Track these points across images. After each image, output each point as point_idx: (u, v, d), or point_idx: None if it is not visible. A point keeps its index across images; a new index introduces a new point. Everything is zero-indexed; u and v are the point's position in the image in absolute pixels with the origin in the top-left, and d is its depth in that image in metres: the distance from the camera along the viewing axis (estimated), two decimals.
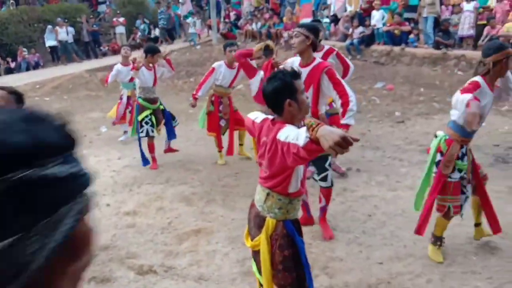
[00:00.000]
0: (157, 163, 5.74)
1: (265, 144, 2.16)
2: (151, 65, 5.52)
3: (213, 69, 5.56)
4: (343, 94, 3.35)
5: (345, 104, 3.34)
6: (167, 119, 5.85)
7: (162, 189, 4.95)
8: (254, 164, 5.17)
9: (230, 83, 5.64)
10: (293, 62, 3.55)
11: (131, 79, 6.41)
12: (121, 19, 16.40)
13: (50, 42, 15.60)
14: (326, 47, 4.76)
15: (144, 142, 5.66)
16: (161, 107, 5.83)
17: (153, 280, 3.15)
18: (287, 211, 2.24)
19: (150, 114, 5.62)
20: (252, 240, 2.36)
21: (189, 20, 15.77)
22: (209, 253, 3.51)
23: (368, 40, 11.19)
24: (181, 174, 5.43)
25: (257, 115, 2.36)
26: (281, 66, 3.55)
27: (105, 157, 6.23)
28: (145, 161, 5.67)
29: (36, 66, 15.52)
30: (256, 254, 2.36)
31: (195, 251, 3.55)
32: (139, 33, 16.59)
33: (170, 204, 4.52)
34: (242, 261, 3.38)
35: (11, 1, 17.59)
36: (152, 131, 5.65)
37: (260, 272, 2.34)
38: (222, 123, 5.72)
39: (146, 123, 5.59)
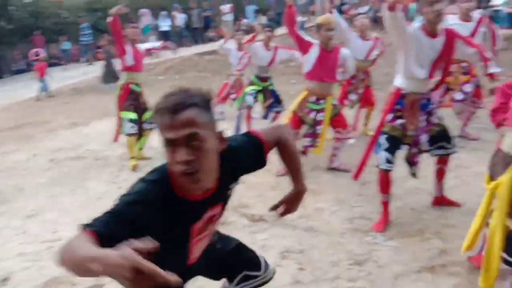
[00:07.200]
0: None
1: None
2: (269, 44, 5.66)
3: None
4: None
5: None
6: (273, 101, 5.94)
7: None
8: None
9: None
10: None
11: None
12: (228, 6, 17.11)
13: (164, 27, 16.81)
14: None
15: (244, 113, 6.02)
16: (271, 87, 5.94)
17: (264, 226, 3.34)
18: None
19: (259, 90, 5.88)
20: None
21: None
22: (317, 209, 3.61)
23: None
24: None
25: None
26: None
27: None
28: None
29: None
30: None
31: (303, 207, 3.63)
32: (244, 20, 17.12)
33: (276, 167, 4.68)
34: (351, 219, 3.42)
35: None
36: (253, 103, 5.89)
37: None
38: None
39: (251, 94, 5.88)
